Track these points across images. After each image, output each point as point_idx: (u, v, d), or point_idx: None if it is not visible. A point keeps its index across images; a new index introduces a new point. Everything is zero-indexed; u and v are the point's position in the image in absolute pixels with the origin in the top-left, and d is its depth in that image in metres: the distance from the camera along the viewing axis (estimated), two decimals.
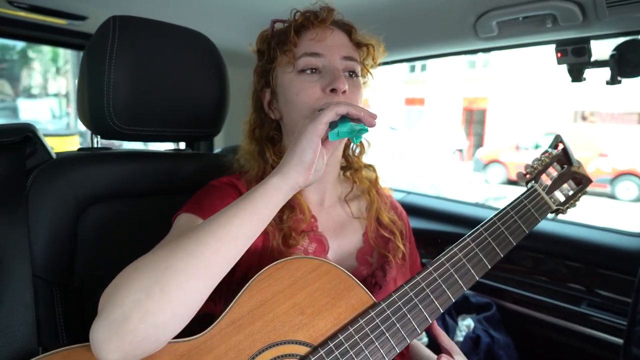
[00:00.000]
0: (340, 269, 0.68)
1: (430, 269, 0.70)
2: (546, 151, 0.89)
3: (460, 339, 1.38)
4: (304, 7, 0.81)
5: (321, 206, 0.86)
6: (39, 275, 0.74)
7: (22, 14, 1.30)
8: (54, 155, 0.85)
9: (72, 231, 0.83)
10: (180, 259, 0.55)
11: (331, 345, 0.62)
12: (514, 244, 0.77)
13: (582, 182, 0.89)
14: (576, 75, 1.19)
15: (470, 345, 1.35)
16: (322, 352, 0.61)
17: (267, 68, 0.82)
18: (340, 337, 0.63)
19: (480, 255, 0.74)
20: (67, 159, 0.85)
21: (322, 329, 0.63)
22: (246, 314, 0.61)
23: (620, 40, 1.09)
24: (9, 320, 0.68)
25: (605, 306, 1.27)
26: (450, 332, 1.42)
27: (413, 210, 1.69)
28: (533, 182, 0.84)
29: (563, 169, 0.88)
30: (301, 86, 0.76)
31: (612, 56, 1.10)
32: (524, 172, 0.86)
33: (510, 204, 0.81)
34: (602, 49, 1.13)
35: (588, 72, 1.18)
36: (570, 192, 0.88)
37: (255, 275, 0.63)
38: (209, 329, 0.59)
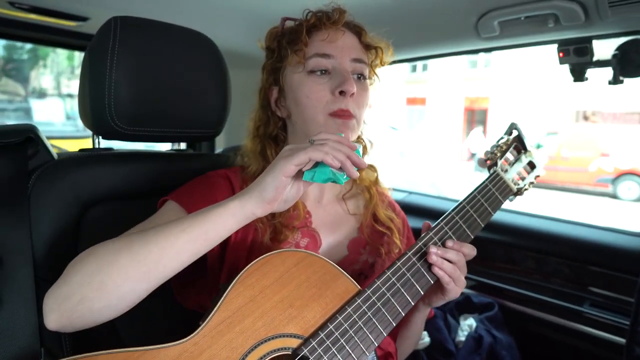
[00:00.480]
0: (325, 260, 0.68)
1: (409, 253, 0.72)
2: (502, 138, 0.94)
3: (463, 338, 1.38)
4: (316, 7, 0.81)
5: (319, 203, 0.87)
6: (41, 277, 0.74)
7: (23, 14, 1.30)
8: (56, 156, 0.85)
9: (74, 232, 0.83)
10: (124, 258, 0.59)
11: (322, 335, 0.62)
12: (482, 225, 0.81)
13: (535, 167, 0.95)
14: (578, 75, 1.18)
15: (472, 345, 1.35)
16: (313, 343, 0.62)
17: (277, 66, 0.82)
18: (330, 327, 0.63)
19: (454, 238, 0.77)
20: (69, 160, 0.85)
21: (311, 319, 0.64)
22: (235, 311, 0.61)
23: (623, 39, 1.09)
24: (11, 322, 0.68)
25: (607, 306, 1.27)
26: (453, 331, 1.42)
27: (415, 210, 1.69)
28: (495, 167, 0.88)
29: (519, 154, 0.93)
30: (311, 88, 0.76)
31: (614, 56, 1.09)
32: (484, 158, 0.90)
33: (477, 188, 0.84)
34: (604, 48, 1.13)
35: (590, 72, 1.18)
36: (526, 176, 0.94)
37: (240, 273, 0.63)
38: (198, 330, 0.58)
